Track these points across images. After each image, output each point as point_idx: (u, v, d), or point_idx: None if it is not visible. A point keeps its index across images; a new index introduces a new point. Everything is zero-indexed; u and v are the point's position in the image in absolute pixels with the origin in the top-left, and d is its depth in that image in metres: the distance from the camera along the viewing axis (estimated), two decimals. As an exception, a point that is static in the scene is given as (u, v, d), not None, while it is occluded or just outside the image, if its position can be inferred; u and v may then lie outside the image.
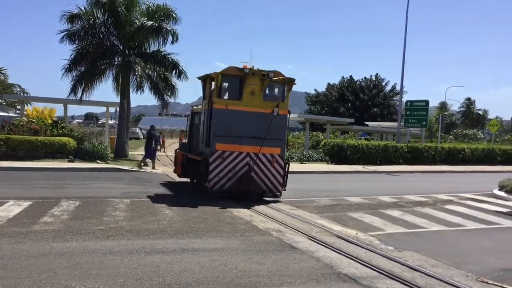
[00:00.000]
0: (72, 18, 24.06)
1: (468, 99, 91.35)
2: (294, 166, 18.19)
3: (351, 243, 8.51)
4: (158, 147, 22.77)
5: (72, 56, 24.83)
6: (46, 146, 21.06)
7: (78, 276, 5.86)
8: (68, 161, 20.76)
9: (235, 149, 12.66)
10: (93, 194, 12.74)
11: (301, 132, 48.90)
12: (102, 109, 35.61)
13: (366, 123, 56.21)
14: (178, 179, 16.68)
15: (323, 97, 72.10)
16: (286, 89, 13.37)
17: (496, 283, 6.45)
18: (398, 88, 56.95)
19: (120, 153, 25.46)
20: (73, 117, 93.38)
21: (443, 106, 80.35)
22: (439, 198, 15.13)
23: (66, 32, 24.15)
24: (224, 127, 12.64)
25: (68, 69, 24.85)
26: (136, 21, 25.00)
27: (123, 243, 7.66)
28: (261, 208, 11.74)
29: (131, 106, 27.76)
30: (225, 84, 13.19)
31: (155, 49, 25.95)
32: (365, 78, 71.71)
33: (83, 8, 24.49)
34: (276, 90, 13.47)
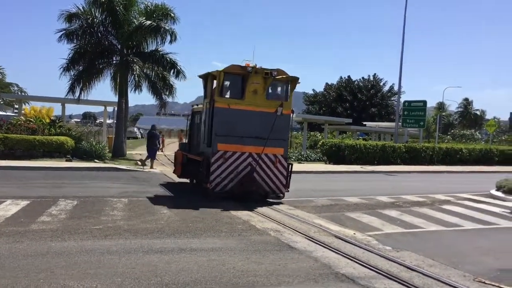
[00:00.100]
0: (70, 17, 24.01)
1: (466, 99, 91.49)
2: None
3: (349, 243, 8.52)
4: (159, 147, 22.76)
5: (70, 55, 24.77)
6: (44, 145, 21.03)
7: (76, 276, 5.86)
8: (66, 161, 20.74)
9: (237, 149, 12.39)
10: (91, 193, 12.72)
11: (299, 132, 48.97)
12: (100, 108, 35.54)
13: (364, 123, 56.25)
14: (177, 179, 16.64)
15: (321, 97, 72.10)
16: (289, 88, 13.08)
17: (493, 283, 6.46)
18: (396, 88, 57.09)
19: (118, 153, 25.43)
20: (71, 117, 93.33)
21: (441, 106, 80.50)
22: (436, 198, 15.16)
23: (64, 31, 24.09)
24: (226, 126, 12.36)
25: (66, 68, 24.78)
26: (135, 20, 24.97)
27: (121, 242, 7.65)
28: (259, 208, 11.72)
29: (129, 105, 27.68)
30: (227, 83, 12.90)
31: (153, 49, 25.91)
32: (363, 78, 71.77)
33: (81, 8, 24.44)
34: (279, 89, 13.24)
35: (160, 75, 26.45)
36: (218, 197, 12.29)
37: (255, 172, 12.46)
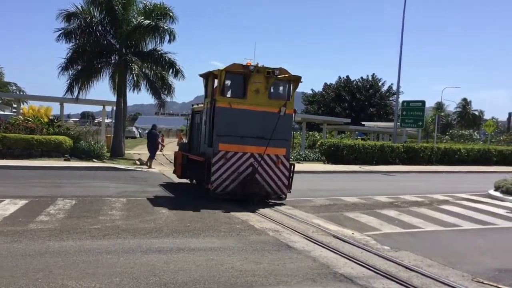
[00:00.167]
0: (68, 16, 23.98)
1: (465, 99, 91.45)
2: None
3: (348, 243, 8.53)
4: (160, 147, 22.76)
5: (68, 55, 24.72)
6: (42, 144, 21.00)
7: (74, 275, 5.85)
8: (64, 160, 20.71)
9: (239, 149, 12.18)
10: (89, 193, 12.71)
11: (298, 132, 49.00)
12: (99, 108, 35.46)
13: (363, 123, 56.24)
14: (175, 179, 16.60)
15: (319, 97, 72.09)
16: (291, 87, 12.86)
17: (491, 283, 6.47)
18: (394, 88, 57.18)
19: (116, 152, 25.39)
20: (69, 116, 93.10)
21: (439, 106, 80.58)
22: (435, 198, 15.17)
23: (62, 31, 24.06)
24: (227, 126, 12.16)
25: (65, 68, 24.74)
26: (133, 20, 24.95)
27: (119, 242, 7.65)
28: (258, 208, 11.68)
29: (128, 105, 27.63)
30: (229, 82, 12.72)
31: (152, 48, 25.90)
32: (361, 78, 71.76)
33: (80, 7, 24.42)
34: (282, 88, 13.03)
35: (159, 74, 26.43)
36: (219, 198, 12.10)
37: (257, 173, 12.25)
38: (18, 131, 21.65)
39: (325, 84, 74.06)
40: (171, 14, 25.19)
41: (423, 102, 35.08)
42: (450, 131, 77.45)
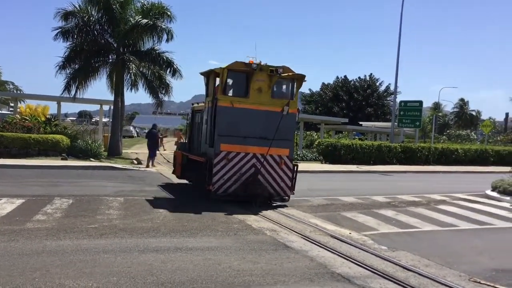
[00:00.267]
0: (66, 15, 23.91)
1: (462, 99, 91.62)
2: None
3: (345, 242, 8.53)
4: (162, 146, 22.81)
5: (66, 54, 24.65)
6: (39, 143, 20.96)
7: (71, 275, 5.84)
8: (62, 159, 20.66)
9: (241, 150, 11.86)
10: (87, 192, 12.68)
11: (296, 131, 48.94)
12: (96, 107, 35.56)
13: (360, 123, 56.31)
14: (173, 178, 16.55)
15: (317, 97, 72.15)
16: (295, 86, 12.60)
17: (488, 283, 6.49)
18: (392, 88, 57.30)
19: (113, 151, 25.35)
20: (66, 115, 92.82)
21: (436, 106, 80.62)
22: (432, 198, 15.20)
23: (60, 30, 24.00)
24: (229, 126, 11.86)
25: (62, 67, 24.66)
26: (131, 19, 24.87)
27: (116, 241, 7.63)
28: (255, 208, 11.66)
29: (125, 104, 27.66)
30: (231, 80, 12.39)
31: (150, 47, 25.87)
32: (359, 78, 71.86)
33: (77, 6, 24.36)
34: (285, 87, 12.75)
35: (157, 74, 26.39)
36: (220, 200, 11.80)
37: (259, 174, 11.95)
38: (15, 130, 21.59)
39: (323, 84, 74.12)
40: (169, 13, 25.15)
41: (420, 102, 35.12)
42: (448, 131, 77.63)
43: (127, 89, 26.92)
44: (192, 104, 16.21)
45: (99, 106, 33.97)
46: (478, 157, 36.60)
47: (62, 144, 21.70)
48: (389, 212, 12.23)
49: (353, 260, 7.30)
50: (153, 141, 21.37)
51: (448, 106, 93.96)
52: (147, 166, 20.88)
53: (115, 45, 25.52)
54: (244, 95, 12.19)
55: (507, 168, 19.73)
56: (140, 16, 24.31)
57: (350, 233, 9.35)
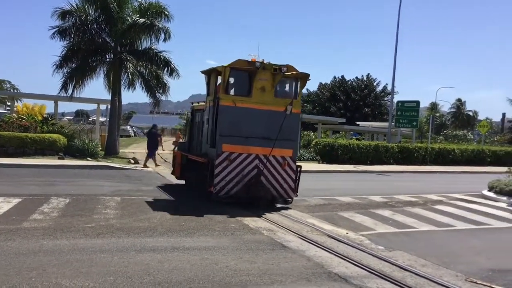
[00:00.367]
0: (63, 14, 23.86)
1: (459, 100, 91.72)
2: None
3: (342, 242, 8.54)
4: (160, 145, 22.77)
5: (63, 53, 24.61)
6: (36, 143, 20.92)
7: (68, 274, 5.83)
8: (58, 158, 20.63)
9: (243, 150, 11.52)
10: (83, 191, 12.66)
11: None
12: (93, 106, 35.40)
13: (357, 123, 56.39)
14: (170, 177, 16.56)
15: (314, 97, 72.17)
16: (299, 85, 12.31)
17: (485, 283, 6.50)
18: (389, 88, 57.25)
19: (111, 151, 25.31)
20: (63, 114, 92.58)
21: (433, 106, 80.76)
22: (429, 198, 15.22)
23: (57, 29, 23.95)
24: (231, 126, 11.51)
25: (59, 66, 24.61)
26: (128, 18, 24.85)
27: (113, 241, 7.62)
28: (252, 208, 11.65)
29: (122, 103, 27.57)
30: (233, 79, 12.02)
31: (147, 47, 25.83)
32: (356, 78, 71.89)
33: (74, 5, 24.33)
34: (288, 86, 12.42)
35: (154, 73, 26.38)
36: (222, 202, 11.49)
37: (262, 175, 11.62)
38: (12, 129, 21.55)
39: (320, 83, 74.17)
40: (166, 12, 25.14)
41: (417, 102, 35.17)
42: (444, 131, 77.72)
43: (124, 88, 26.97)
44: (192, 103, 15.91)
45: (96, 105, 33.91)
46: (475, 157, 36.70)
47: (59, 143, 21.66)
48: (386, 212, 12.25)
49: (350, 260, 7.31)
50: (153, 140, 21.38)
51: (445, 106, 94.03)
52: (144, 165, 20.85)
53: (112, 44, 25.50)
54: (246, 94, 11.88)
55: (504, 168, 19.78)
56: (138, 15, 24.29)
57: (347, 233, 9.36)
